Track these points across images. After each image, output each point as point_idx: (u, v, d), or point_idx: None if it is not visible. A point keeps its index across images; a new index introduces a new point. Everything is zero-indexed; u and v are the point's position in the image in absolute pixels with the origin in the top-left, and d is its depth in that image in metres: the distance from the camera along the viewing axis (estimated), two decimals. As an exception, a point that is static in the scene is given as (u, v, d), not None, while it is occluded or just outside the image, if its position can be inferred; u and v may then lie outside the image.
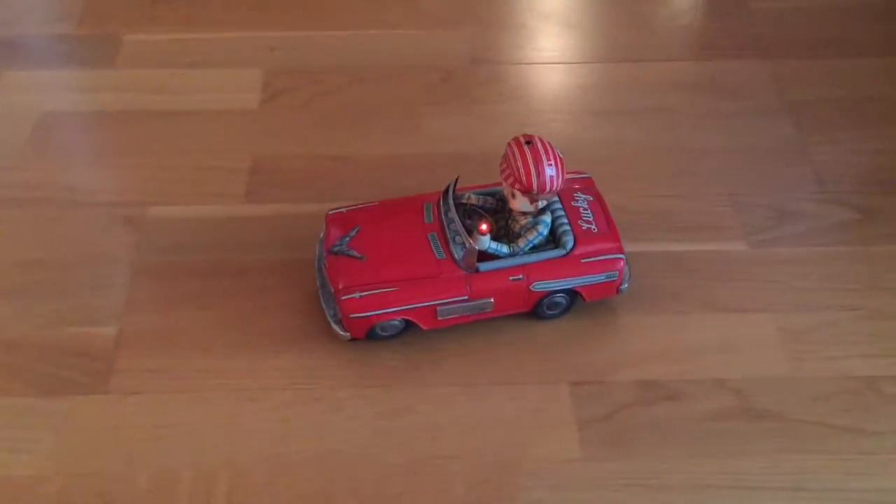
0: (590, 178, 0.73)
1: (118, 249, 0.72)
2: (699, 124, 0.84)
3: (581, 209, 0.69)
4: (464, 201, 0.69)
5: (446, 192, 0.68)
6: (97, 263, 0.71)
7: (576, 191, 0.71)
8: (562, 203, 0.68)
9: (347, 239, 0.67)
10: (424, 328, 0.66)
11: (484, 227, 0.64)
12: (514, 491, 0.59)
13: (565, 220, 0.67)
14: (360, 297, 0.64)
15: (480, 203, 0.69)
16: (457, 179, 0.69)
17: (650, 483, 0.60)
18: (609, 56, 0.92)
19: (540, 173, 0.63)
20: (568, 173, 0.68)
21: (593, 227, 0.68)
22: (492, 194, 0.70)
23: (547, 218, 0.66)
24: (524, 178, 0.63)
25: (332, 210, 0.69)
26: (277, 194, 0.77)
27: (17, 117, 0.83)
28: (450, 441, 0.62)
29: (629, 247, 0.68)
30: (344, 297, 0.64)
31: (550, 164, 0.63)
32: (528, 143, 0.64)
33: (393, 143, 0.82)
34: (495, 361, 0.66)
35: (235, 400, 0.63)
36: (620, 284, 0.68)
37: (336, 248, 0.67)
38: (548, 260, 0.66)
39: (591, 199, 0.70)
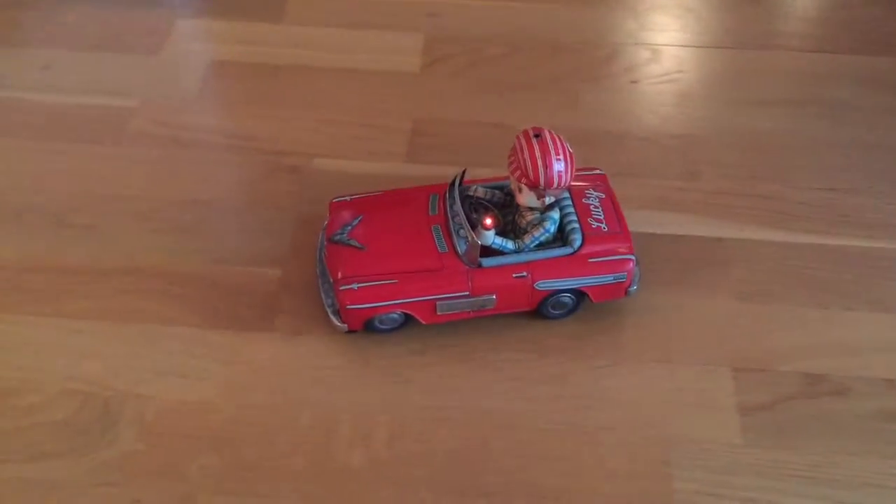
0: (603, 174, 0.70)
1: (282, 197, 0.75)
2: (874, 121, 0.81)
3: (592, 207, 0.66)
4: (470, 194, 0.67)
5: (452, 183, 0.66)
6: (262, 208, 0.74)
7: (588, 188, 0.68)
8: (572, 199, 0.66)
9: (349, 228, 0.65)
10: (424, 323, 0.65)
11: (488, 221, 0.62)
12: (670, 469, 0.59)
13: (574, 218, 0.65)
14: (359, 288, 0.62)
15: (487, 196, 0.67)
16: (464, 171, 0.67)
17: (811, 476, 0.58)
18: (777, 44, 0.89)
19: (548, 168, 0.60)
20: (581, 169, 0.66)
21: (603, 225, 0.65)
22: (500, 188, 0.67)
23: (555, 214, 0.64)
24: (531, 173, 0.60)
25: (336, 198, 0.68)
26: (436, 157, 0.78)
27: (188, 64, 0.86)
28: (605, 413, 0.62)
29: (790, 237, 0.67)
30: (342, 288, 0.63)
31: (559, 159, 0.60)
32: (536, 136, 0.61)
33: (550, 115, 0.82)
34: (658, 339, 0.66)
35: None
36: (629, 286, 0.66)
37: (337, 237, 0.65)
38: (554, 258, 0.63)
39: (604, 196, 0.68)
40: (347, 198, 0.68)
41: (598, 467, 0.59)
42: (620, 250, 0.64)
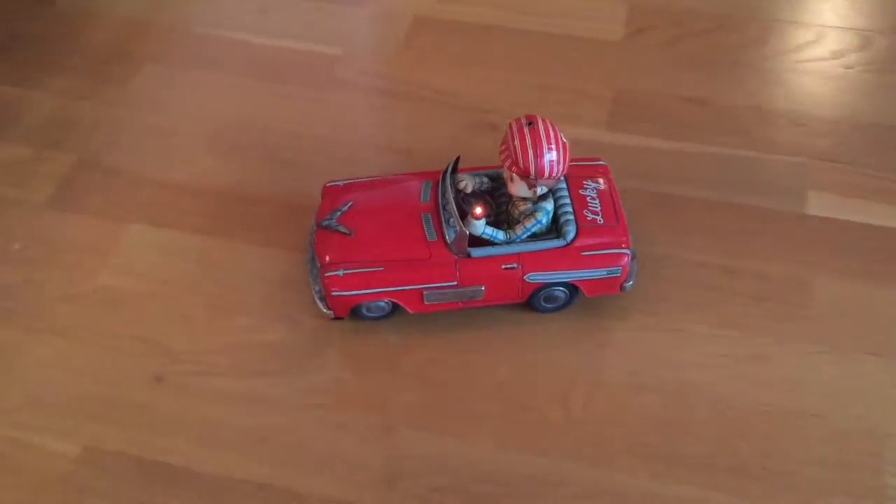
0: (604, 165, 0.67)
1: (481, 151, 0.75)
2: None
3: (589, 198, 0.64)
4: (460, 183, 0.64)
5: (446, 171, 0.64)
6: (463, 161, 0.75)
7: (587, 178, 0.65)
8: (568, 190, 0.64)
9: (338, 213, 0.64)
10: (411, 312, 0.63)
11: (478, 210, 0.60)
12: (882, 463, 0.57)
13: (569, 209, 0.62)
14: (345, 274, 0.61)
15: (479, 186, 0.65)
16: (458, 159, 0.65)
17: None
18: None
19: (539, 157, 0.58)
20: (581, 159, 0.65)
21: (599, 218, 0.62)
22: (493, 177, 0.65)
23: (548, 205, 0.62)
24: (522, 162, 0.59)
25: (329, 182, 0.67)
26: (636, 127, 0.77)
27: (393, 18, 0.88)
28: (813, 399, 0.60)
29: None
30: (328, 274, 0.62)
31: (551, 149, 0.59)
32: (529, 124, 0.59)
33: (756, 94, 0.79)
34: (868, 329, 0.63)
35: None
36: (625, 281, 0.63)
37: (325, 222, 0.64)
38: (545, 250, 0.61)
39: (602, 187, 0.65)
40: (341, 182, 0.67)
41: (804, 452, 0.58)
42: (615, 244, 0.62)
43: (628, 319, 0.64)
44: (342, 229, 0.63)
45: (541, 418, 0.60)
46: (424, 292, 0.62)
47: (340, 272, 0.61)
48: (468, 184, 0.64)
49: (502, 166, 0.61)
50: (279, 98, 0.80)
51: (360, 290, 0.62)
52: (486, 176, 0.65)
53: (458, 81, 0.82)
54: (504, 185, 0.63)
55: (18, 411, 0.60)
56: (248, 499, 0.57)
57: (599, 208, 0.63)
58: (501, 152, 0.60)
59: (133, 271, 0.68)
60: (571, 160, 0.61)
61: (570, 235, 0.61)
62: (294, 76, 0.82)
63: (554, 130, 0.60)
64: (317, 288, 0.64)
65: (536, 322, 0.65)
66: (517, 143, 0.59)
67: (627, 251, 0.62)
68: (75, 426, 0.60)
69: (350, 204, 0.65)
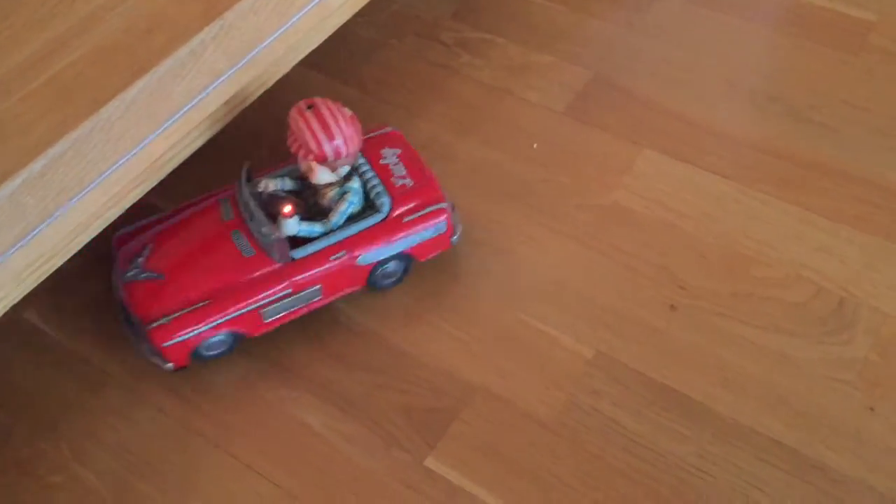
0: (395, 131, 0.66)
1: None
2: None
3: (392, 165, 0.62)
4: (259, 190, 0.60)
5: (240, 182, 0.59)
6: None
7: (382, 147, 0.63)
8: (370, 164, 0.61)
9: (140, 260, 0.58)
10: (253, 335, 0.59)
11: (287, 209, 0.57)
12: None
13: (377, 181, 0.60)
14: (170, 321, 0.56)
15: (282, 189, 0.60)
16: (249, 167, 0.60)
17: None
18: None
19: (331, 137, 0.56)
20: (369, 131, 0.63)
21: (408, 181, 0.61)
22: (289, 174, 0.61)
23: (355, 184, 0.59)
24: (315, 147, 0.56)
25: (117, 233, 0.59)
26: None
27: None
28: None
29: None
30: (151, 327, 0.56)
31: (339, 126, 0.57)
32: (309, 107, 0.57)
33: None
34: None
35: None
36: (452, 235, 0.62)
37: (130, 275, 0.58)
38: (367, 228, 0.59)
39: (401, 151, 0.63)
40: (130, 228, 0.61)
41: None
42: (432, 201, 0.61)
43: None
44: (151, 275, 0.59)
45: None
46: (261, 310, 0.58)
47: (164, 320, 0.57)
48: (268, 183, 0.61)
49: (297, 160, 0.58)
50: (805, 55, 0.76)
51: (192, 329, 0.57)
52: (286, 176, 0.62)
53: None
54: (305, 179, 0.60)
55: (538, 303, 0.62)
56: (761, 452, 0.55)
57: (405, 172, 0.62)
58: (291, 145, 0.58)
59: (647, 196, 0.67)
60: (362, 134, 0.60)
61: (386, 207, 0.60)
62: (824, 36, 0.77)
63: (336, 107, 0.58)
64: (145, 346, 0.58)
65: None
66: (304, 129, 0.57)
67: (445, 205, 0.61)
68: (590, 331, 0.60)
69: (149, 248, 0.60)
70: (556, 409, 0.57)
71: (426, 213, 0.61)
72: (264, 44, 0.59)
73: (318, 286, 0.59)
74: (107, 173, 0.53)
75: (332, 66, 0.79)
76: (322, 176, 0.59)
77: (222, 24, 0.54)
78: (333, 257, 0.59)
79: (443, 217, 0.61)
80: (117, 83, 0.51)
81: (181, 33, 0.53)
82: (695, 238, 0.65)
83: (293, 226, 0.58)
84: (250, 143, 0.73)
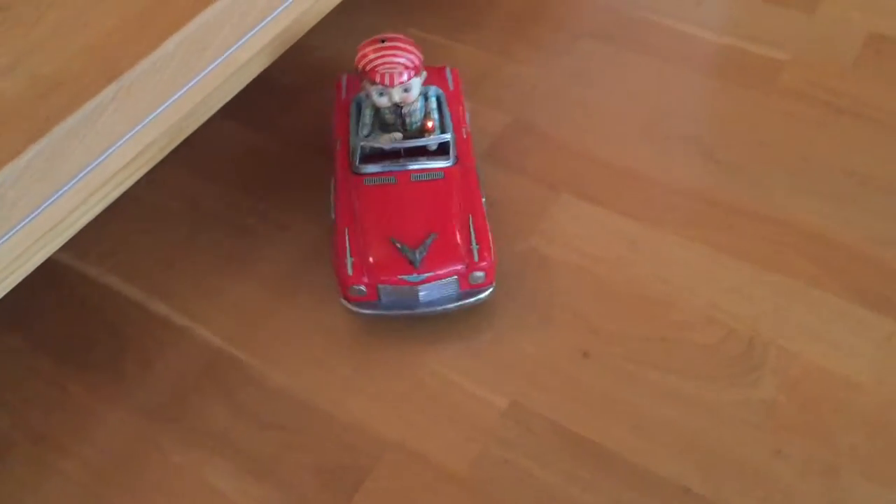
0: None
1: (944, 193, 0.69)
2: None
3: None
4: (382, 146, 0.64)
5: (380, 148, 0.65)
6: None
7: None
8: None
9: (409, 250, 0.61)
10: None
11: (430, 123, 0.65)
12: None
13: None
14: (479, 251, 0.61)
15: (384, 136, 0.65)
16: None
17: None
18: None
19: (412, 44, 0.63)
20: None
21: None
22: (370, 131, 0.66)
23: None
24: (410, 57, 0.63)
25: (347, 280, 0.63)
26: None
27: (846, 30, 0.82)
28: None
29: None
30: (481, 266, 0.61)
31: (404, 37, 0.64)
32: (382, 41, 0.63)
33: None
34: None
35: None
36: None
37: (420, 259, 0.61)
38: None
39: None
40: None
41: None
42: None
43: None
44: (429, 243, 0.62)
45: None
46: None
47: (475, 254, 0.61)
48: (378, 140, 0.65)
49: (393, 84, 0.62)
50: (720, 95, 0.77)
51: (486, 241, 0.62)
52: (370, 134, 0.66)
53: (919, 110, 0.75)
54: (386, 119, 0.66)
55: (453, 354, 0.62)
56: (672, 500, 0.55)
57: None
58: (381, 80, 0.62)
59: (563, 241, 0.68)
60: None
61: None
62: (735, 74, 0.79)
63: (396, 35, 0.64)
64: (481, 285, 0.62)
65: None
66: (388, 52, 0.62)
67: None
68: (506, 381, 0.60)
69: (394, 240, 0.62)
70: (470, 462, 0.57)
71: None
72: (169, 101, 0.59)
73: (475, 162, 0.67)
74: (3, 239, 0.53)
75: (248, 115, 0.79)
76: (417, 84, 0.64)
77: (121, 86, 0.54)
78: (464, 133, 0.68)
79: None
80: (9, 149, 0.51)
81: (79, 95, 0.53)
82: (609, 282, 0.65)
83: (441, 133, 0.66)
84: (166, 195, 0.73)
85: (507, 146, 0.75)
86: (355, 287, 0.60)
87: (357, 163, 0.64)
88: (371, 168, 0.63)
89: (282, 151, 0.75)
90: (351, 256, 0.60)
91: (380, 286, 0.60)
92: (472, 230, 0.61)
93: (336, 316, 0.64)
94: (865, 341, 0.60)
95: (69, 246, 0.68)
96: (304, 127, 0.78)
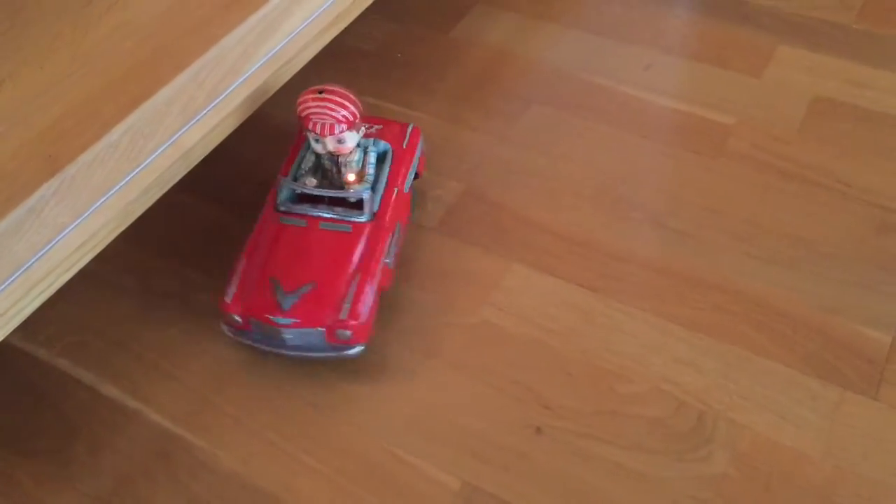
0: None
1: (888, 259, 0.70)
2: None
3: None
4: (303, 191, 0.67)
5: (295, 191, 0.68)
6: (869, 264, 0.69)
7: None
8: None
9: (280, 289, 0.63)
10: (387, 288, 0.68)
11: (350, 177, 0.67)
12: None
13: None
14: (350, 309, 0.62)
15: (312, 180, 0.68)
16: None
17: None
18: None
19: (352, 100, 0.65)
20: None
21: None
22: (302, 175, 0.69)
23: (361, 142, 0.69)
24: (346, 112, 0.64)
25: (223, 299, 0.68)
26: None
27: (791, 94, 0.84)
28: None
29: None
30: (351, 325, 0.62)
31: (346, 93, 0.65)
32: (320, 92, 0.64)
33: None
34: None
35: None
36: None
37: (288, 303, 0.63)
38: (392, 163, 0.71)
39: None
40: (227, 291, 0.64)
41: None
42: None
43: None
44: (303, 291, 0.63)
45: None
46: (386, 261, 0.67)
47: (345, 314, 0.62)
48: (304, 182, 0.68)
49: (325, 135, 0.64)
50: (667, 160, 0.79)
51: (366, 303, 0.63)
52: (302, 175, 0.68)
53: (863, 174, 0.76)
54: (325, 165, 0.68)
55: (403, 432, 0.62)
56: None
57: None
58: (314, 129, 0.64)
59: (515, 312, 0.68)
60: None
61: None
62: (682, 139, 0.80)
63: (336, 86, 0.65)
64: (355, 347, 0.63)
65: None
66: (325, 104, 0.64)
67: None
68: (457, 460, 0.60)
69: (274, 280, 0.64)
70: (422, 546, 0.56)
71: None
72: (115, 189, 0.59)
73: (397, 223, 0.68)
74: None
75: (205, 188, 0.79)
76: (352, 137, 0.66)
77: (63, 179, 0.54)
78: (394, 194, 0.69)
79: None
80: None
81: (18, 193, 0.53)
82: (561, 355, 0.66)
83: (361, 189, 0.67)
84: (119, 270, 0.73)
85: (460, 215, 0.76)
86: (230, 315, 0.63)
87: (278, 199, 0.67)
88: (290, 207, 0.66)
89: (237, 224, 0.75)
90: (235, 286, 0.63)
91: (251, 319, 0.62)
92: (352, 289, 0.62)
93: (291, 398, 0.64)
94: (813, 412, 0.61)
95: (18, 327, 0.67)
96: (263, 196, 0.78)
